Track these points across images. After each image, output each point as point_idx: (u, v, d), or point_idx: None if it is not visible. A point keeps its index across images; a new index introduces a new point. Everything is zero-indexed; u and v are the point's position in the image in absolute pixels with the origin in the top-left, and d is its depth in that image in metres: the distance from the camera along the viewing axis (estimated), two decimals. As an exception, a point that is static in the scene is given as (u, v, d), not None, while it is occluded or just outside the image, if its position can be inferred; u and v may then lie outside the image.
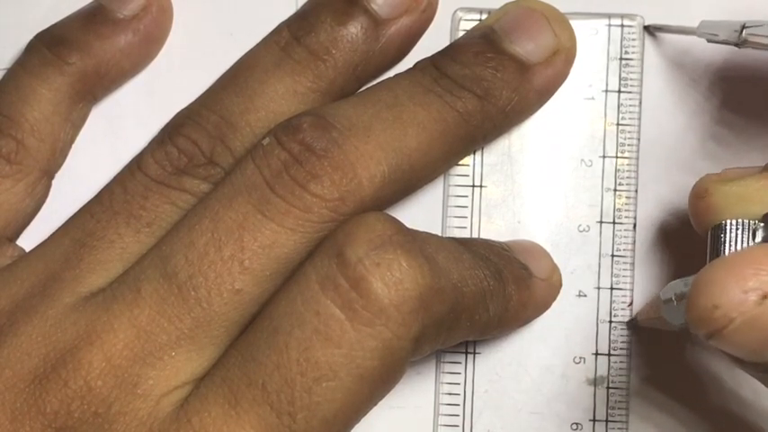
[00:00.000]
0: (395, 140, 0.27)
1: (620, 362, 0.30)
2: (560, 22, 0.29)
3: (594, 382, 0.30)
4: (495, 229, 0.30)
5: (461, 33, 0.30)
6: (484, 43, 0.28)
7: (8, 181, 0.29)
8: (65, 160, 0.30)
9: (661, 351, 0.30)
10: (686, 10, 0.30)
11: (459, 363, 0.30)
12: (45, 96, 0.29)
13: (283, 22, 0.30)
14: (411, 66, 0.29)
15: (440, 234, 0.30)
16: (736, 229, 0.25)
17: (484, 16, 0.30)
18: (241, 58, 0.30)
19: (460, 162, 0.30)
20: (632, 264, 0.30)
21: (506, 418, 0.30)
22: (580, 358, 0.30)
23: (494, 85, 0.28)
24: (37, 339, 0.25)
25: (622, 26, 0.30)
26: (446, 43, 0.30)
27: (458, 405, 0.30)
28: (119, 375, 0.25)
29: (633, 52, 0.30)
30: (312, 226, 0.25)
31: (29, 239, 0.29)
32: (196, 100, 0.29)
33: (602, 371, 0.30)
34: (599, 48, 0.30)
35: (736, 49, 0.27)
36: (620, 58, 0.30)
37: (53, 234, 0.28)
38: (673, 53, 0.30)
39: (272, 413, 0.24)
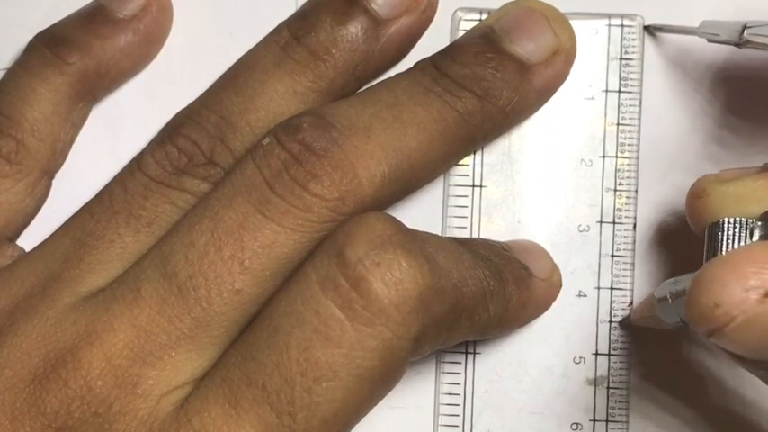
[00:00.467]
0: (395, 140, 0.27)
1: (621, 362, 0.30)
2: (560, 22, 0.29)
3: (594, 382, 0.30)
4: (495, 229, 0.30)
5: (461, 33, 0.30)
6: (484, 43, 0.28)
7: (8, 181, 0.29)
8: (65, 160, 0.30)
9: (661, 351, 0.30)
10: (686, 10, 0.30)
11: (459, 363, 0.30)
12: (45, 96, 0.29)
13: (283, 22, 0.30)
14: (411, 66, 0.29)
15: (440, 234, 0.30)
16: (734, 227, 0.25)
17: (484, 16, 0.30)
18: (241, 58, 0.30)
19: (460, 162, 0.30)
20: (632, 264, 0.30)
21: (506, 418, 0.30)
22: (580, 358, 0.30)
23: (494, 85, 0.28)
24: (37, 339, 0.25)
25: (622, 26, 0.30)
26: (446, 43, 0.30)
27: (458, 405, 0.30)
28: (119, 375, 0.25)
29: (633, 52, 0.30)
30: (312, 226, 0.25)
31: (29, 239, 0.29)
32: (196, 100, 0.29)
33: (603, 371, 0.30)
34: (599, 48, 0.30)
35: (736, 49, 0.27)
36: (620, 58, 0.30)
37: (53, 234, 0.28)
38: (673, 53, 0.30)
39: (272, 413, 0.24)
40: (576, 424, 0.30)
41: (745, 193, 0.26)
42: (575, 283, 0.30)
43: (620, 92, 0.30)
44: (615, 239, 0.30)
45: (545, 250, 0.30)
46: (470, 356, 0.30)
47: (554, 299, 0.29)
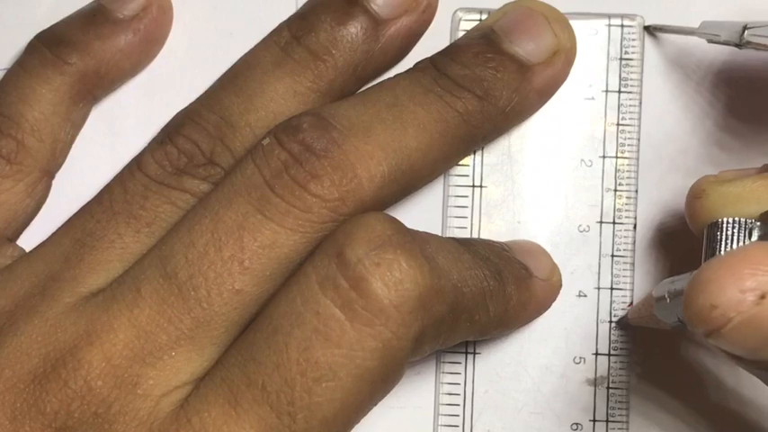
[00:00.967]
0: (395, 141, 0.27)
1: (621, 362, 0.30)
2: (560, 23, 0.29)
3: (595, 382, 0.30)
4: (495, 229, 0.30)
5: (461, 33, 0.30)
6: (484, 44, 0.28)
7: (8, 181, 0.29)
8: (65, 160, 0.30)
9: (661, 351, 0.30)
10: (686, 10, 0.30)
11: (459, 363, 0.30)
12: (45, 96, 0.29)
13: (283, 22, 0.30)
14: (411, 66, 0.29)
15: (440, 234, 0.30)
16: (733, 227, 0.25)
17: (484, 16, 0.30)
18: (241, 58, 0.30)
19: (460, 162, 0.30)
20: (632, 264, 0.30)
21: (506, 418, 0.30)
22: (580, 358, 0.30)
23: (494, 86, 0.28)
24: (37, 339, 0.25)
25: (622, 26, 0.30)
26: (446, 43, 0.30)
27: (458, 405, 0.30)
28: (119, 375, 0.25)
29: (633, 52, 0.30)
30: (312, 226, 0.25)
31: (29, 239, 0.29)
32: (196, 100, 0.29)
33: (603, 371, 0.30)
34: (599, 48, 0.30)
35: (736, 49, 0.27)
36: (620, 58, 0.30)
37: (53, 234, 0.28)
38: (673, 53, 0.30)
39: (271, 413, 0.24)
40: (576, 424, 0.30)
41: (744, 194, 0.26)
42: (575, 283, 0.30)
43: (620, 92, 0.30)
44: (615, 239, 0.30)
45: (545, 250, 0.30)
46: (470, 356, 0.30)
47: (554, 299, 0.29)
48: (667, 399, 0.30)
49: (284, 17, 0.30)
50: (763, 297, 0.21)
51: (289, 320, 0.24)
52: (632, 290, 0.30)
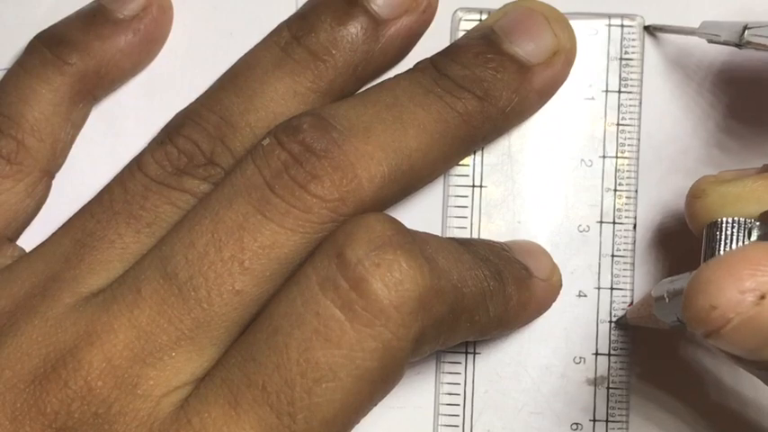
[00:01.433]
0: (395, 141, 0.27)
1: (621, 362, 0.30)
2: (560, 23, 0.29)
3: (594, 382, 0.30)
4: (495, 229, 0.30)
5: (461, 33, 0.30)
6: (484, 44, 0.28)
7: (8, 181, 0.29)
8: (65, 160, 0.30)
9: (661, 351, 0.30)
10: (686, 10, 0.30)
11: (460, 363, 0.30)
12: (45, 96, 0.29)
13: (283, 22, 0.30)
14: (411, 66, 0.29)
15: (440, 234, 0.30)
16: (732, 227, 0.25)
17: (484, 16, 0.30)
18: (241, 58, 0.30)
19: (460, 162, 0.30)
20: (632, 264, 0.30)
21: (506, 418, 0.30)
22: (580, 358, 0.30)
23: (494, 86, 0.28)
24: (37, 340, 0.25)
25: (622, 26, 0.30)
26: (446, 43, 0.30)
27: (458, 405, 0.30)
28: (119, 376, 0.25)
29: (633, 52, 0.30)
30: (312, 226, 0.25)
31: (29, 239, 0.29)
32: (196, 100, 0.29)
33: (603, 371, 0.30)
34: (599, 48, 0.30)
35: (736, 49, 0.27)
36: (620, 58, 0.30)
37: (53, 234, 0.28)
38: (673, 53, 0.30)
39: (271, 414, 0.24)
40: (576, 424, 0.30)
41: (744, 194, 0.26)
42: (575, 283, 0.30)
43: (620, 92, 0.30)
44: (615, 239, 0.30)
45: (545, 250, 0.30)
46: (470, 356, 0.30)
47: (554, 299, 0.29)
48: (667, 399, 0.30)
49: (284, 17, 0.30)
50: (762, 297, 0.21)
51: (289, 321, 0.24)
52: (632, 290, 0.30)
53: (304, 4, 0.30)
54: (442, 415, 0.30)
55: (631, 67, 0.30)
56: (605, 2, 0.30)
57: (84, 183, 0.30)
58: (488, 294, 0.27)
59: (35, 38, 0.30)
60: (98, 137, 0.31)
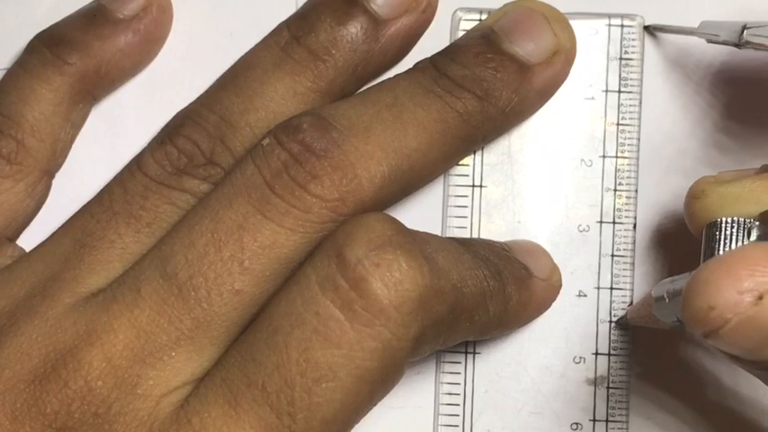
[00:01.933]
0: (395, 141, 0.27)
1: (621, 362, 0.30)
2: (560, 23, 0.29)
3: (595, 381, 0.30)
4: (495, 229, 0.30)
5: (461, 33, 0.30)
6: (484, 44, 0.28)
7: (8, 181, 0.29)
8: (65, 160, 0.30)
9: (661, 351, 0.30)
10: (686, 10, 0.30)
11: (459, 363, 0.30)
12: (45, 96, 0.29)
13: (283, 22, 0.30)
14: (411, 66, 0.29)
15: (440, 234, 0.30)
16: (732, 227, 0.25)
17: (484, 16, 0.30)
18: (241, 58, 0.30)
19: (460, 162, 0.30)
20: (632, 264, 0.30)
21: (506, 418, 0.30)
22: (580, 358, 0.30)
23: (494, 86, 0.28)
24: (37, 340, 0.25)
25: (622, 26, 0.30)
26: (446, 43, 0.30)
27: (458, 405, 0.30)
28: (119, 376, 0.25)
29: (633, 52, 0.30)
30: (312, 226, 0.25)
31: (29, 239, 0.29)
32: (196, 100, 0.29)
33: (603, 371, 0.30)
34: (599, 48, 0.30)
35: (736, 49, 0.27)
36: (620, 58, 0.30)
37: (53, 234, 0.28)
38: (673, 53, 0.30)
39: (271, 413, 0.24)
40: (576, 424, 0.30)
41: (743, 194, 0.26)
42: (575, 283, 0.30)
43: (620, 92, 0.30)
44: (615, 239, 0.30)
45: (545, 250, 0.30)
46: (470, 356, 0.30)
47: (554, 299, 0.29)
48: (667, 399, 0.30)
49: (284, 17, 0.30)
50: (760, 297, 0.21)
51: (289, 321, 0.24)
52: (632, 290, 0.30)
53: (304, 4, 0.30)
54: (442, 415, 0.30)
55: (631, 66, 0.30)
56: (605, 2, 0.30)
57: (84, 183, 0.30)
58: (488, 294, 0.27)
59: (35, 38, 0.30)
60: (98, 137, 0.31)
